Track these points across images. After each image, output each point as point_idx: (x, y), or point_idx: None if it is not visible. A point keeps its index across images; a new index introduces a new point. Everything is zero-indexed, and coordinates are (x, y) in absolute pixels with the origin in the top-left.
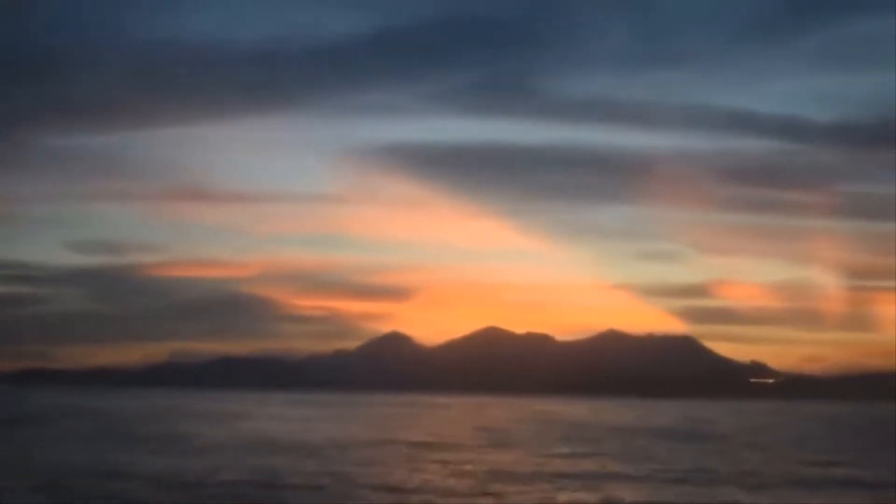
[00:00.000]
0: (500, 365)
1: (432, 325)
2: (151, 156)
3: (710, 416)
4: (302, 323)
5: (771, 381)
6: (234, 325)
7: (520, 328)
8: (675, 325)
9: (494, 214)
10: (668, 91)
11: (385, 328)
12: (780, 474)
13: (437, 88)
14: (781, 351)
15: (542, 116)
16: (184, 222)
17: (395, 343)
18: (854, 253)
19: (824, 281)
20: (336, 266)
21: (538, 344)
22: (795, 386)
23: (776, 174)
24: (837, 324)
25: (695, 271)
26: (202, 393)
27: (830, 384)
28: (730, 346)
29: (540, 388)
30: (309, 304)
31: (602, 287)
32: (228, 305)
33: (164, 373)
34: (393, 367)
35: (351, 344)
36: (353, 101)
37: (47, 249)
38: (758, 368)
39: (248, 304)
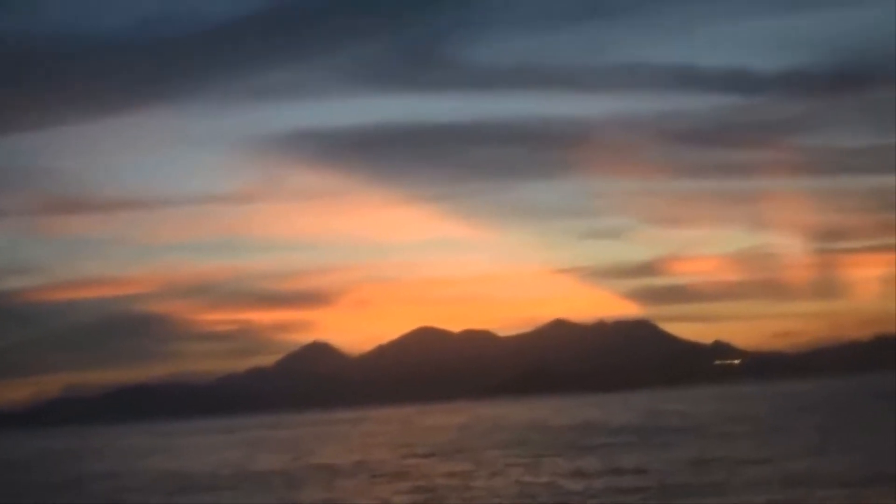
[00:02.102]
0: (438, 369)
1: (358, 331)
2: (15, 164)
3: (672, 408)
4: (210, 341)
5: (737, 361)
6: (133, 350)
7: (456, 326)
8: (628, 309)
9: (417, 202)
10: (600, 50)
11: (305, 339)
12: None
13: (339, 64)
14: (747, 328)
15: (462, 89)
16: (61, 238)
17: (318, 354)
18: (819, 213)
19: (789, 247)
20: (242, 274)
21: (478, 342)
22: (765, 365)
23: (727, 133)
24: (806, 293)
25: (646, 247)
26: (102, 429)
27: (803, 360)
28: (690, 328)
29: (484, 391)
30: (216, 318)
31: (544, 273)
32: (123, 328)
33: (57, 409)
34: (317, 381)
35: (268, 359)
36: (245, 87)
37: None
38: (722, 349)
39: (145, 325)
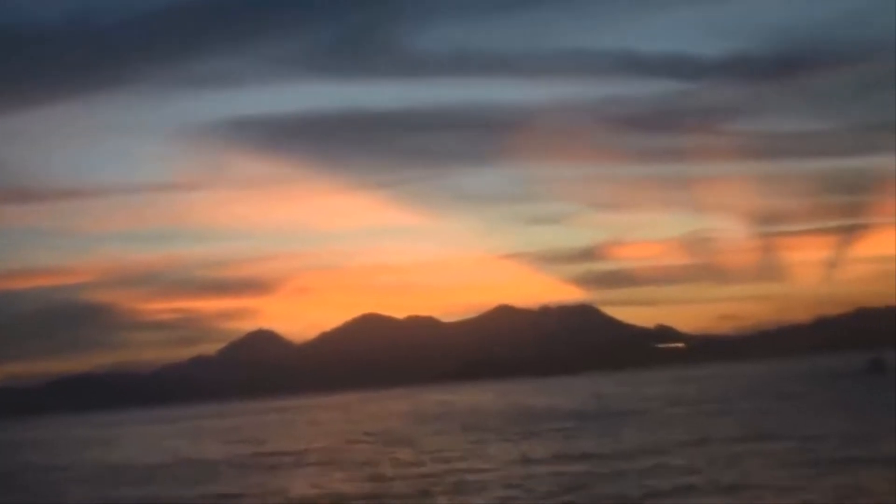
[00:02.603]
0: (383, 355)
1: (301, 319)
2: None
3: (616, 392)
4: (151, 330)
5: (680, 345)
6: (73, 340)
7: (400, 313)
8: (572, 294)
9: (359, 189)
10: (541, 36)
11: (248, 326)
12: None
13: (280, 52)
14: (690, 312)
15: (402, 75)
16: (1, 228)
17: (261, 342)
18: (760, 197)
19: (730, 231)
20: (184, 262)
21: (423, 328)
22: (708, 348)
23: (668, 118)
24: (747, 276)
25: (588, 232)
26: (41, 420)
27: (746, 343)
28: (633, 312)
29: (429, 377)
30: (157, 307)
31: (488, 259)
32: (63, 317)
33: None
34: (261, 369)
35: (211, 348)
36: (183, 74)
37: None
38: (666, 333)
39: (88, 314)
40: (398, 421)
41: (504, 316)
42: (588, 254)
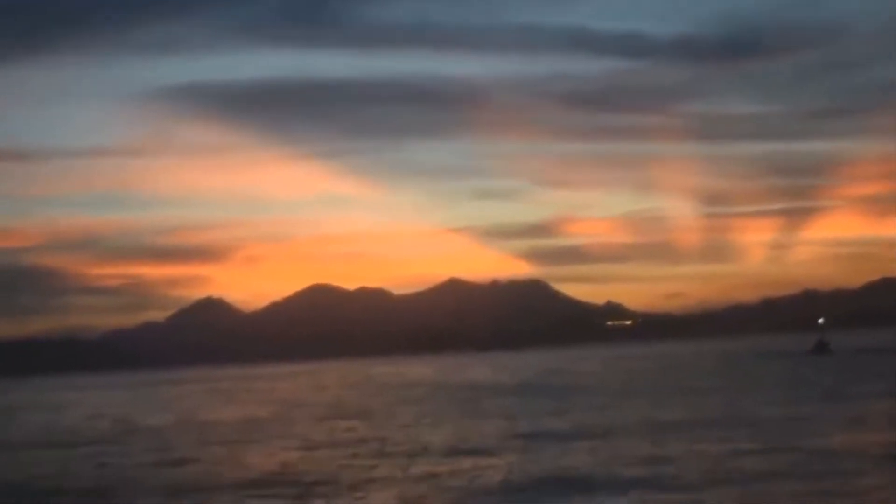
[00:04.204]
0: (332, 326)
1: (251, 288)
2: None
3: (562, 366)
4: (98, 295)
5: (629, 322)
6: (16, 304)
7: (351, 284)
8: (521, 269)
9: (311, 159)
10: (494, 11)
11: (198, 294)
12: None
13: (230, 19)
14: (638, 289)
15: (354, 46)
16: None
17: (211, 310)
18: (708, 178)
19: (678, 210)
20: (133, 228)
21: (373, 300)
22: (655, 325)
23: (619, 97)
24: (695, 256)
25: (539, 208)
26: None
27: (693, 321)
28: (582, 288)
29: (379, 349)
30: (105, 272)
31: (439, 232)
32: (7, 281)
33: None
34: (210, 336)
35: (160, 314)
36: (134, 38)
37: None
38: (614, 310)
39: (30, 278)
40: (347, 392)
41: (454, 289)
42: (538, 229)
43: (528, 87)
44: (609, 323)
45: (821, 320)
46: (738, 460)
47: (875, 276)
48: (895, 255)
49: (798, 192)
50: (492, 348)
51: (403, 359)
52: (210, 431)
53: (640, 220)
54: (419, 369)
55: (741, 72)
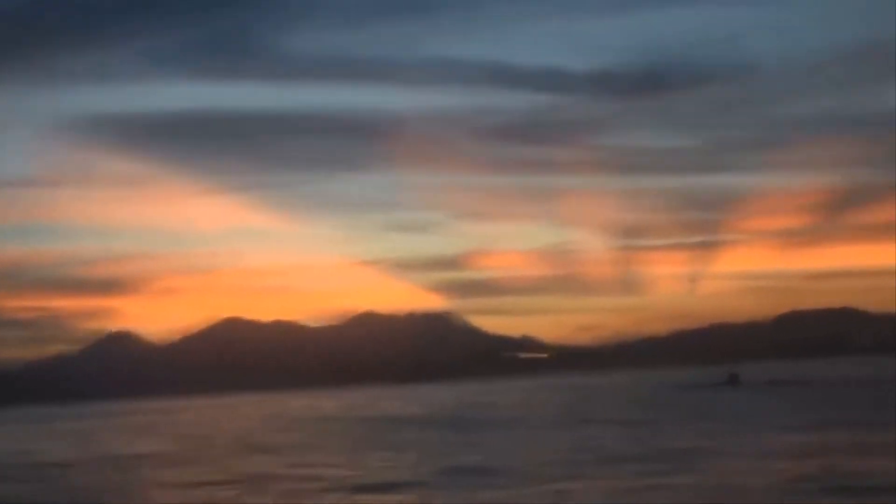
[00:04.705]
0: (245, 359)
1: (163, 321)
2: None
3: (476, 399)
4: (9, 327)
5: (543, 355)
6: None
7: (264, 317)
8: (436, 302)
9: (225, 191)
10: (412, 44)
11: (110, 327)
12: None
13: (155, 49)
14: (553, 322)
15: (270, 78)
16: None
17: (123, 343)
18: (623, 211)
19: (593, 243)
20: (45, 259)
21: (286, 333)
22: (569, 358)
23: (535, 130)
24: (609, 289)
25: (453, 241)
26: None
27: (606, 353)
28: (496, 321)
29: (293, 382)
30: (16, 304)
31: (353, 265)
32: None
33: None
34: (121, 370)
35: (72, 347)
36: (56, 68)
37: None
38: (527, 343)
39: None
40: (260, 425)
41: (369, 322)
42: (454, 262)
43: (447, 120)
44: (523, 355)
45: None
46: (650, 495)
47: (784, 309)
48: (804, 288)
49: (709, 225)
50: (406, 381)
51: (318, 392)
52: (115, 466)
53: (555, 252)
54: (333, 403)
55: (656, 106)
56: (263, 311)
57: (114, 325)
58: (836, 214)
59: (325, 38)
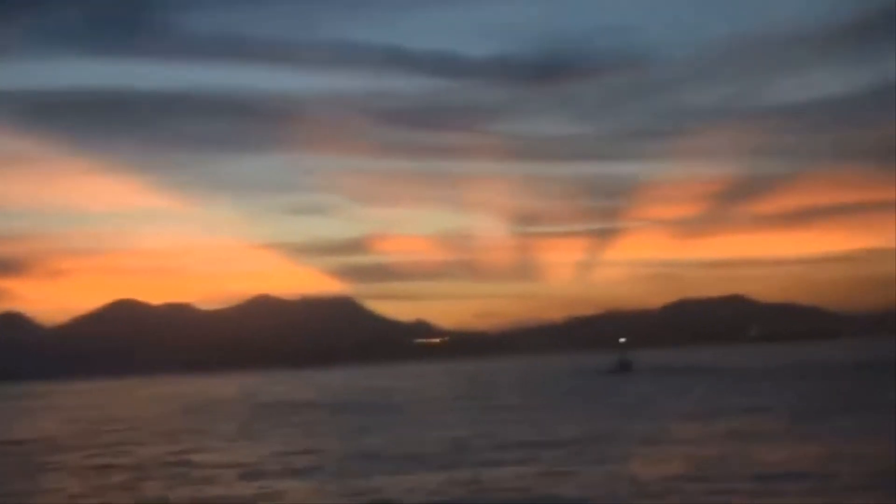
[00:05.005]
0: (137, 341)
1: (53, 302)
2: None
3: (370, 384)
4: None
5: (438, 340)
6: None
7: (157, 299)
8: (332, 286)
9: (119, 171)
10: (309, 26)
11: None
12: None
13: (48, 25)
14: (449, 307)
15: (165, 57)
16: None
17: (11, 325)
18: (521, 197)
19: (491, 229)
20: None
21: (179, 315)
22: (466, 343)
23: (434, 115)
24: (506, 275)
25: (351, 225)
26: None
27: (502, 339)
28: (394, 306)
29: (185, 365)
30: None
31: (249, 248)
32: None
33: None
34: (9, 352)
35: None
36: None
37: None
38: (424, 328)
39: None
40: (150, 408)
41: (263, 306)
42: (351, 246)
43: (344, 103)
44: (420, 340)
45: (622, 339)
46: (539, 482)
47: (675, 298)
48: (695, 277)
49: (606, 212)
50: (301, 365)
51: (213, 376)
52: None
53: (453, 238)
54: (228, 386)
55: (554, 93)
56: (157, 293)
57: (3, 307)
58: (729, 204)
59: (222, 17)
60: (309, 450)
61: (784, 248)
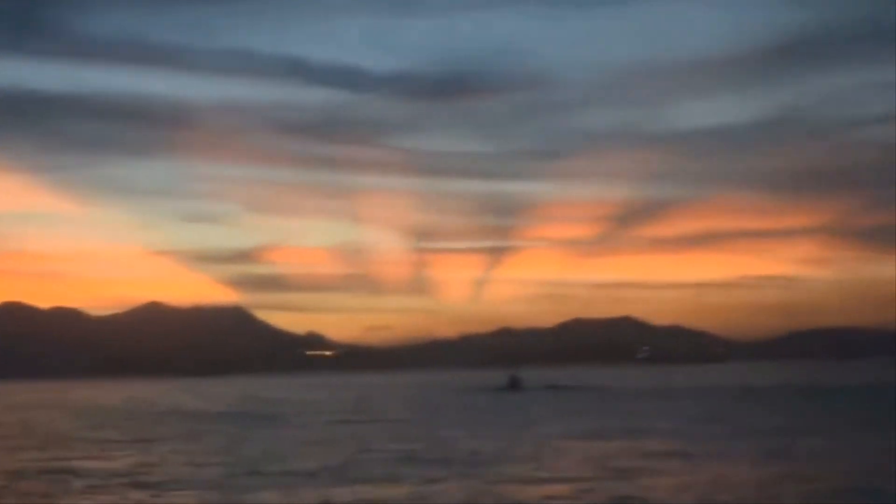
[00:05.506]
0: (23, 345)
1: None
2: None
3: (259, 395)
4: None
5: (329, 353)
6: None
7: (45, 303)
8: (225, 295)
9: (9, 171)
10: (209, 33)
11: None
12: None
13: None
14: (342, 321)
15: (59, 57)
16: None
17: None
18: (418, 213)
19: (387, 243)
20: None
21: (67, 320)
22: (357, 357)
23: (332, 128)
24: (401, 290)
25: (245, 234)
26: None
27: (394, 354)
28: (286, 317)
29: (72, 371)
30: None
31: (141, 254)
32: None
33: None
34: None
35: None
36: None
37: None
38: (316, 340)
39: None
40: (37, 415)
41: (154, 313)
42: (245, 256)
43: (242, 111)
44: (310, 353)
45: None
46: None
47: (568, 317)
48: (588, 297)
49: (502, 230)
50: (190, 375)
51: (100, 382)
52: None
53: (348, 251)
54: (115, 394)
55: (454, 110)
56: (44, 296)
57: None
58: (623, 226)
59: (119, 19)
60: (195, 460)
61: (676, 272)
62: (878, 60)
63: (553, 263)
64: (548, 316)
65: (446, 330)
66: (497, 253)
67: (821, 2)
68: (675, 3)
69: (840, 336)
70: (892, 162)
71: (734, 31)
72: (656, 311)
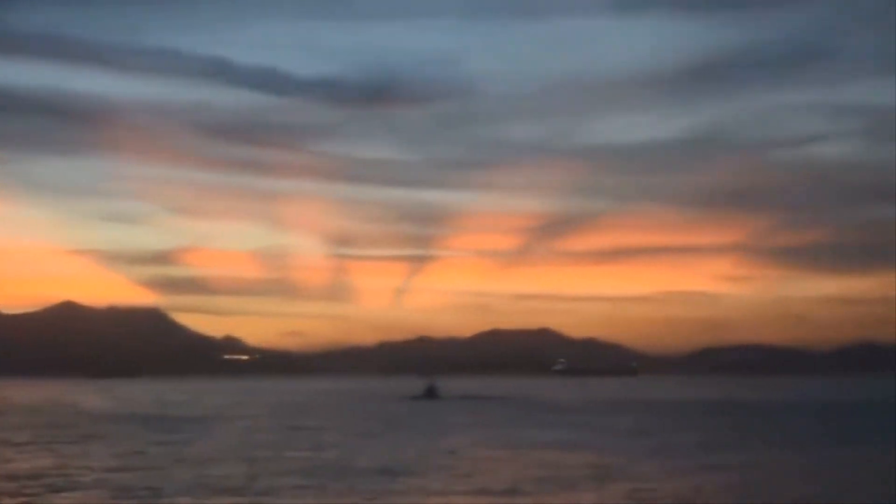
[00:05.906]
0: None
1: None
2: None
3: (176, 399)
4: None
5: (245, 357)
6: None
7: None
8: (142, 296)
9: None
10: (134, 32)
11: None
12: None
13: None
14: (259, 325)
15: None
16: None
17: None
18: (339, 219)
19: (306, 249)
20: None
21: None
22: (274, 362)
23: (254, 131)
24: (319, 296)
25: (164, 236)
26: None
27: (310, 360)
28: (202, 320)
29: None
30: None
31: (59, 252)
32: None
33: None
34: None
35: None
36: None
37: None
38: (232, 344)
39: None
40: None
41: (68, 312)
42: (163, 257)
43: (164, 111)
44: (226, 357)
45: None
46: None
47: (486, 327)
48: (506, 308)
49: (422, 239)
50: (105, 376)
51: (8, 382)
52: None
53: (267, 255)
54: (26, 394)
55: (378, 117)
56: None
57: None
58: (543, 239)
59: (42, 15)
60: (87, 466)
61: (594, 286)
62: (796, 82)
63: (473, 274)
64: (466, 326)
65: (364, 337)
66: (417, 262)
67: (742, 24)
68: (599, 19)
69: (753, 353)
70: (806, 183)
71: (657, 50)
72: (573, 324)
